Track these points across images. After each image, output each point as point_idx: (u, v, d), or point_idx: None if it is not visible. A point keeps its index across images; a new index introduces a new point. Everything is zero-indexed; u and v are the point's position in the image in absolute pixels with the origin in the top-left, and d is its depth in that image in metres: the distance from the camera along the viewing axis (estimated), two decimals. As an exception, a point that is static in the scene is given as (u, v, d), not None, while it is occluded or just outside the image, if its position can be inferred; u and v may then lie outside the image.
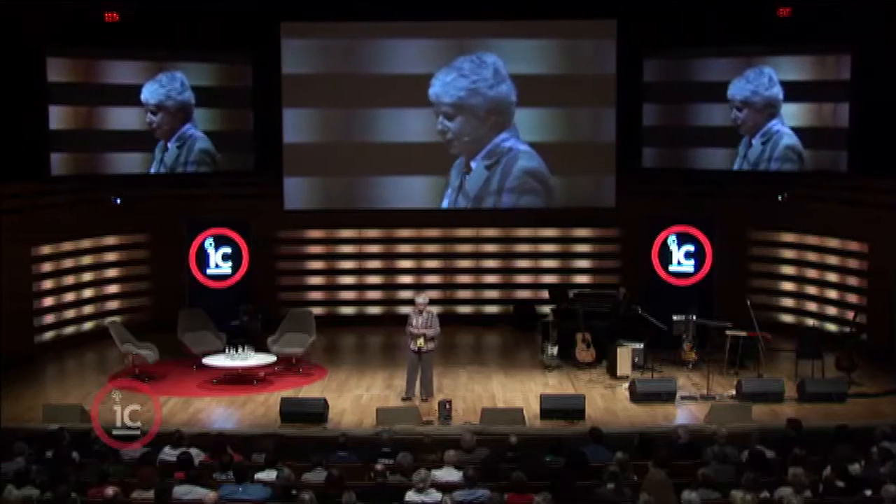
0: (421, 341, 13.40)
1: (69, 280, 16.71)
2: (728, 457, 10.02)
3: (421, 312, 13.52)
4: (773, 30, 16.49)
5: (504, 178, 17.67)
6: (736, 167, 17.08)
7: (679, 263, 16.25)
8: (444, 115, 17.50)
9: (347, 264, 18.40)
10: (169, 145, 17.13)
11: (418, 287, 17.43)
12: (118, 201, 17.08)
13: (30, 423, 12.15)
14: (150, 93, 16.92)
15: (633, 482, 9.28)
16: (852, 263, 16.29)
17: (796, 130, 16.51)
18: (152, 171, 17.07)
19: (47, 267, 16.33)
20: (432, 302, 13.93)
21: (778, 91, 16.51)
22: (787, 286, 17.36)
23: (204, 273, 16.53)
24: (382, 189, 17.89)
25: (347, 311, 18.40)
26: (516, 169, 17.67)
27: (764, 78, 16.58)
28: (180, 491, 9.13)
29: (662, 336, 14.70)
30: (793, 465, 9.23)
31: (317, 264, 18.41)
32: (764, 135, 16.70)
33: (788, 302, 17.30)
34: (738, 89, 16.83)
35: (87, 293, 17.06)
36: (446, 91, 17.49)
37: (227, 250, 16.55)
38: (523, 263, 18.51)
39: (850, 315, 15.36)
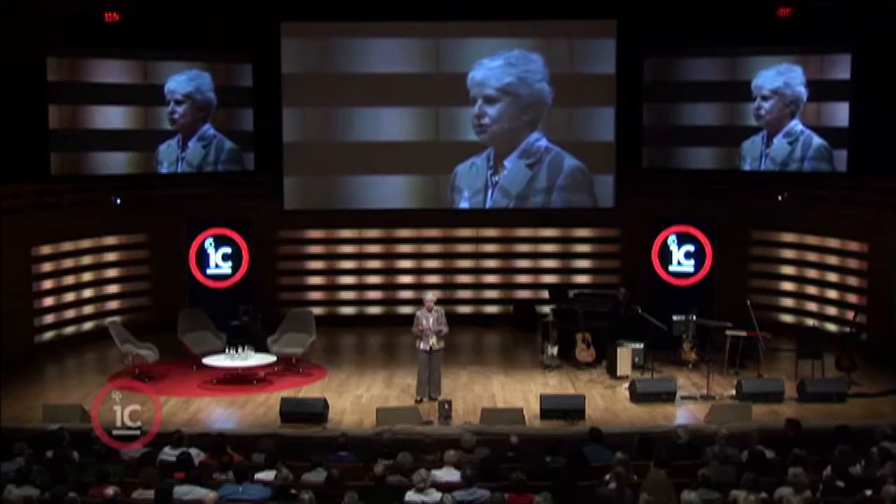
0: (434, 340, 13.37)
1: (69, 280, 16.71)
2: (728, 457, 10.01)
3: (430, 311, 13.49)
4: (772, 30, 16.50)
5: (554, 176, 17.65)
6: (749, 167, 17.03)
7: (679, 263, 16.25)
8: (486, 99, 17.49)
9: (347, 264, 18.40)
10: (190, 144, 17.18)
11: (418, 287, 17.45)
12: (118, 201, 17.08)
13: (30, 423, 12.14)
14: (179, 83, 17.04)
15: (633, 482, 9.28)
16: (852, 263, 16.29)
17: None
18: (164, 170, 17.07)
19: (47, 267, 16.33)
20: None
21: (803, 91, 16.48)
22: (787, 286, 17.36)
23: (204, 273, 16.52)
24: (382, 189, 17.89)
25: (347, 311, 18.40)
26: (567, 167, 17.67)
27: (794, 74, 16.52)
28: (180, 491, 9.13)
29: (662, 336, 14.69)
30: (793, 465, 9.22)
31: (317, 264, 18.41)
32: (788, 134, 16.64)
33: (788, 302, 17.31)
34: (767, 79, 16.74)
35: (87, 293, 17.06)
36: (493, 75, 17.48)
37: (227, 250, 16.55)
38: (523, 263, 18.51)
39: (850, 315, 15.36)
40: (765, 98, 16.80)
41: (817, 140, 16.45)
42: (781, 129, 16.73)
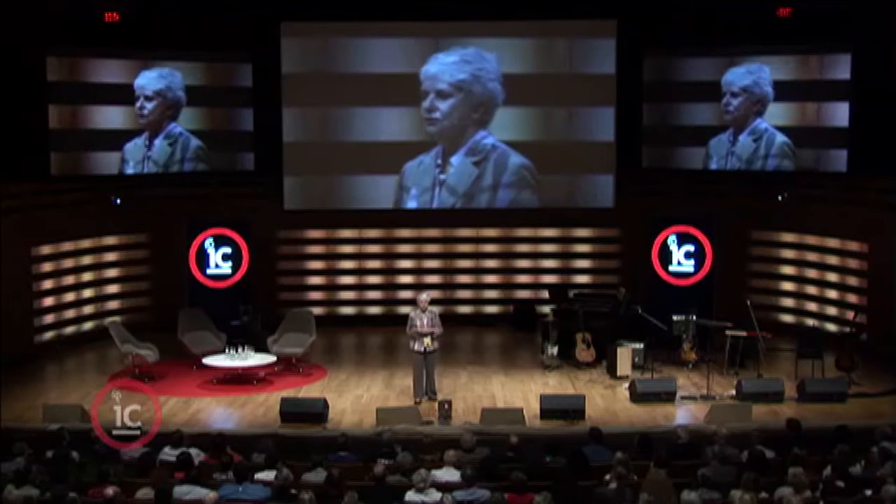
0: (428, 341, 13.33)
1: (69, 280, 16.70)
2: (728, 457, 10.01)
3: (424, 311, 13.45)
4: (772, 30, 16.51)
5: (500, 174, 17.65)
6: (715, 165, 17.25)
7: (679, 263, 16.25)
8: (438, 93, 17.44)
9: (347, 264, 18.39)
10: (156, 142, 17.05)
11: (418, 287, 17.41)
12: (118, 201, 17.08)
13: (30, 423, 12.15)
14: (149, 80, 16.88)
15: (633, 482, 9.28)
16: (852, 263, 16.29)
17: (797, 130, 16.58)
18: (130, 169, 16.79)
19: (47, 267, 16.33)
20: (432, 302, 13.89)
21: (770, 91, 16.67)
22: (787, 286, 17.36)
23: (204, 273, 16.52)
24: (382, 189, 17.88)
25: (347, 311, 18.39)
26: (511, 164, 17.67)
27: (764, 73, 16.73)
28: (180, 491, 9.13)
29: (662, 336, 14.69)
30: (793, 465, 9.23)
31: (317, 264, 18.40)
32: (752, 132, 16.84)
33: (788, 302, 17.30)
34: (737, 77, 16.90)
35: (87, 293, 17.06)
36: (447, 70, 17.46)
37: (227, 250, 16.55)
38: (523, 263, 18.50)
39: (850, 315, 15.35)
40: (734, 95, 16.96)
41: (780, 138, 16.63)
42: (747, 127, 16.89)
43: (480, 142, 17.59)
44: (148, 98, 16.91)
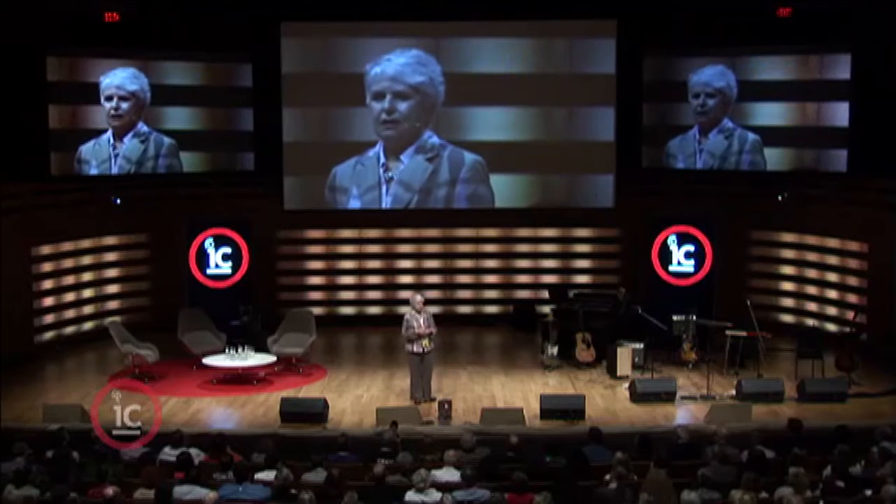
0: (426, 342, 13.32)
1: (69, 280, 16.70)
2: (728, 457, 10.01)
3: (420, 312, 13.44)
4: (772, 30, 16.52)
5: (457, 170, 17.70)
6: (682, 164, 17.51)
7: (679, 263, 16.26)
8: (397, 94, 17.46)
9: (347, 264, 18.39)
10: (125, 141, 16.90)
11: (418, 287, 17.41)
12: (118, 201, 17.08)
13: (30, 423, 12.16)
14: (124, 80, 16.78)
15: (633, 482, 9.28)
16: (852, 263, 16.29)
17: (797, 130, 16.61)
18: (93, 170, 16.56)
19: (47, 267, 16.33)
20: (433, 302, 13.88)
21: (736, 92, 16.96)
22: (787, 286, 17.35)
23: (204, 273, 16.53)
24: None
25: (347, 311, 18.39)
26: (468, 160, 17.71)
27: (731, 77, 17.00)
28: (180, 491, 9.13)
29: (662, 336, 14.69)
30: (793, 465, 9.23)
31: (317, 264, 18.40)
32: (722, 130, 17.09)
33: (788, 302, 17.30)
34: (712, 77, 17.16)
35: (87, 293, 17.06)
36: (405, 72, 17.48)
37: (227, 250, 16.56)
38: (523, 263, 18.49)
39: (850, 315, 15.35)
40: (710, 96, 17.21)
41: (751, 136, 16.93)
42: (715, 127, 17.14)
43: (428, 140, 17.62)
44: (123, 98, 16.80)
